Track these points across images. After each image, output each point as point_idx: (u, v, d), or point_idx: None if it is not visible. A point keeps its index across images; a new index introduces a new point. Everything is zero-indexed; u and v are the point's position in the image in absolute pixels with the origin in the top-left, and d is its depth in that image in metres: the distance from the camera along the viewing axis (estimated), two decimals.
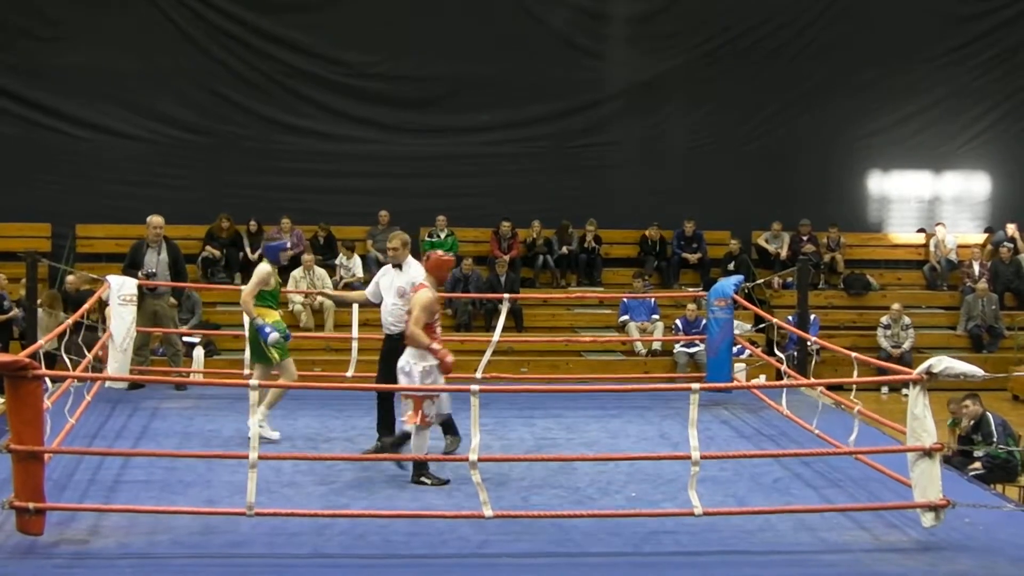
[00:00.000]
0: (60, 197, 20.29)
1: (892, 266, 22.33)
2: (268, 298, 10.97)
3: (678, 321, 18.68)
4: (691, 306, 18.39)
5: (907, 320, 19.55)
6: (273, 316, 10.94)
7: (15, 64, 20.42)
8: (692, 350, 18.29)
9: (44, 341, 10.49)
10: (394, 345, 10.04)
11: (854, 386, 10.38)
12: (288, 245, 11.09)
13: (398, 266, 10.37)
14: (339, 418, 12.16)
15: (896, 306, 19.68)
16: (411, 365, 9.45)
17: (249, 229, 20.18)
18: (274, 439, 10.74)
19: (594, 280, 20.77)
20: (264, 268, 10.99)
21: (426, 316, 9.34)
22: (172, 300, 14.53)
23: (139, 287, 13.33)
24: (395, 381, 9.73)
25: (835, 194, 22.35)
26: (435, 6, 21.21)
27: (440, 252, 10.06)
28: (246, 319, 11.08)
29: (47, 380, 8.25)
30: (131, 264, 13.90)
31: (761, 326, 18.41)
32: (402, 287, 10.16)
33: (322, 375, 16.13)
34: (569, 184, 21.63)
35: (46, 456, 8.20)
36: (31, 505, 7.74)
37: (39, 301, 16.76)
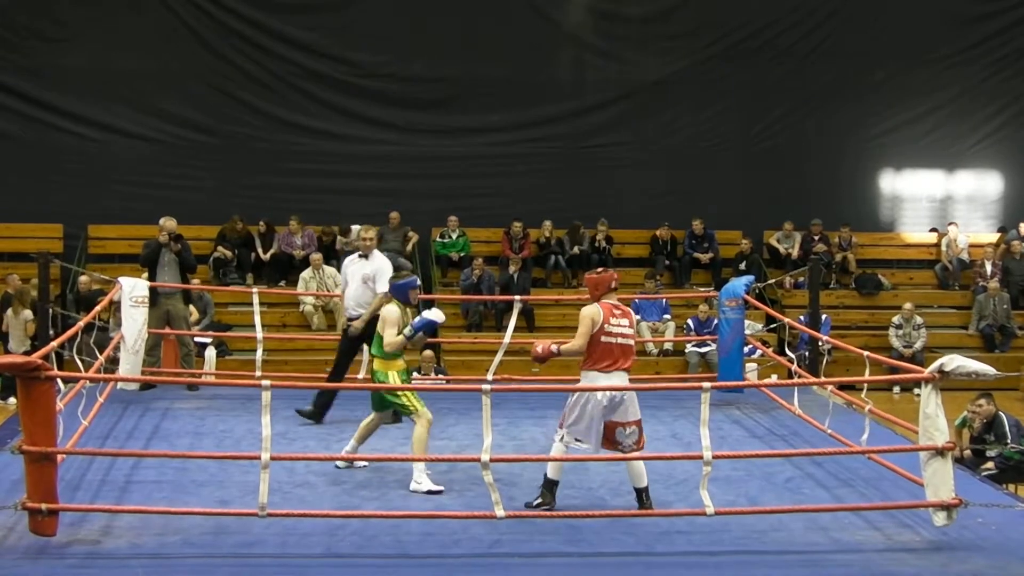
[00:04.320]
0: (72, 198, 20.32)
1: (904, 266, 22.29)
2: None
3: (690, 321, 18.67)
4: (703, 306, 18.38)
5: (919, 320, 19.52)
6: (398, 365, 9.74)
7: (25, 65, 20.45)
8: (704, 350, 18.29)
9: (56, 343, 10.49)
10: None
11: (865, 385, 10.36)
12: (418, 283, 10.14)
13: (365, 256, 11.88)
14: (350, 419, 12.13)
15: (908, 306, 19.64)
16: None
17: (259, 230, 20.20)
18: (437, 490, 9.30)
19: None
20: (393, 311, 9.67)
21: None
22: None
23: (151, 289, 13.38)
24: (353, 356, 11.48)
25: (847, 194, 22.32)
26: (446, 6, 21.22)
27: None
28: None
29: (59, 381, 8.25)
30: (148, 262, 13.96)
31: (772, 326, 18.40)
32: (367, 274, 11.72)
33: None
34: (580, 184, 21.62)
35: (59, 457, 8.21)
36: (44, 506, 7.76)
37: (12, 302, 16.88)
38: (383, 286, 11.53)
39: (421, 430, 9.40)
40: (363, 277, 11.75)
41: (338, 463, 9.88)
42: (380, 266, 11.77)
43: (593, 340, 8.72)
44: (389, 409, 9.74)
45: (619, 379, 8.72)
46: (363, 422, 9.93)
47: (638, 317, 19.20)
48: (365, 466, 9.93)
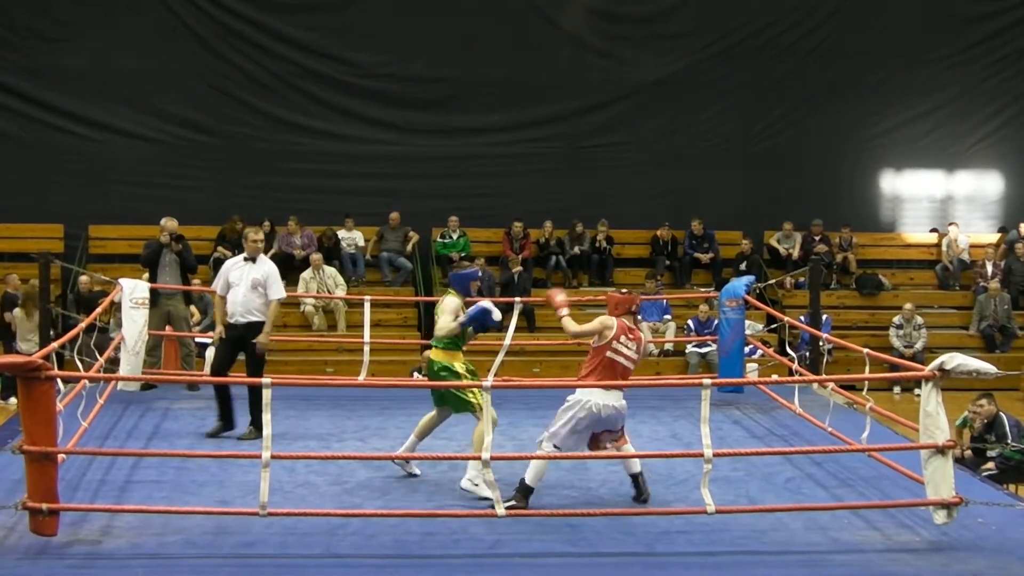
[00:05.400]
0: (72, 198, 20.32)
1: (904, 266, 22.30)
2: (453, 336, 9.47)
3: (690, 321, 18.68)
4: (703, 306, 18.40)
5: (919, 320, 19.51)
6: (460, 358, 9.50)
7: (25, 65, 20.45)
8: (704, 350, 18.29)
9: (57, 343, 10.50)
10: (241, 333, 11.15)
11: (866, 383, 10.36)
12: (479, 274, 9.86)
13: (252, 259, 11.25)
14: (351, 418, 12.19)
15: (908, 306, 19.65)
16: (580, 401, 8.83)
17: (264, 230, 20.14)
18: (490, 497, 8.49)
19: (606, 280, 20.75)
20: (454, 301, 9.46)
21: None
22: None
23: (152, 289, 13.40)
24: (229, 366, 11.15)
25: (847, 194, 22.33)
26: (446, 6, 21.22)
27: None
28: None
29: (59, 381, 8.25)
30: (149, 262, 13.99)
31: (773, 326, 18.37)
32: (257, 279, 11.12)
33: (334, 376, 16.20)
34: (580, 184, 21.64)
35: (59, 457, 8.21)
36: (44, 506, 7.75)
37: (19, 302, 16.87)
38: (277, 292, 11.23)
39: (479, 438, 8.94)
40: (253, 282, 11.13)
41: (397, 464, 9.74)
42: (270, 271, 11.28)
43: (598, 351, 8.84)
44: (448, 406, 9.43)
45: (615, 398, 8.81)
46: (424, 418, 9.72)
47: (638, 317, 19.19)
48: (418, 474, 9.76)
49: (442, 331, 9.38)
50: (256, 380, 8.98)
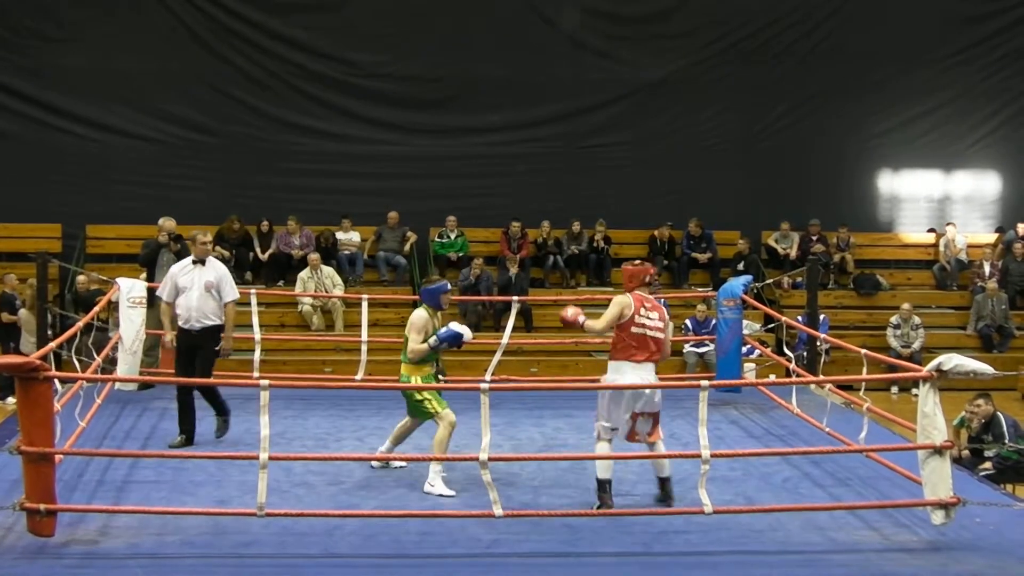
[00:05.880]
0: (71, 198, 20.31)
1: (902, 266, 22.29)
2: None
3: (688, 321, 18.66)
4: (701, 306, 18.38)
5: (917, 320, 19.50)
6: (425, 371, 9.61)
7: (26, 65, 20.43)
8: (702, 350, 18.28)
9: (55, 343, 10.51)
10: (196, 340, 10.82)
11: (863, 384, 10.37)
12: (448, 287, 9.83)
13: (201, 262, 10.95)
14: (349, 418, 12.20)
15: (906, 306, 19.64)
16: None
17: (260, 229, 20.17)
18: (449, 495, 9.27)
19: (604, 280, 20.74)
20: (421, 317, 9.55)
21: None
22: None
23: (149, 289, 13.41)
24: (194, 374, 10.65)
25: (845, 194, 22.31)
26: (445, 6, 21.22)
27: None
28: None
29: (57, 382, 8.25)
30: (147, 262, 13.99)
31: (771, 326, 18.38)
32: (210, 281, 10.84)
33: (332, 376, 16.21)
34: (579, 184, 21.62)
35: (57, 457, 8.21)
36: (42, 507, 7.77)
37: (26, 301, 16.86)
38: (231, 293, 10.99)
39: (443, 432, 9.36)
40: (205, 285, 10.83)
41: (373, 463, 9.96)
42: (222, 272, 11.04)
43: (623, 329, 8.93)
44: (425, 415, 9.56)
45: (647, 371, 8.93)
46: (398, 424, 9.96)
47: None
48: (403, 466, 9.95)
49: (413, 355, 9.47)
50: (254, 382, 8.97)
